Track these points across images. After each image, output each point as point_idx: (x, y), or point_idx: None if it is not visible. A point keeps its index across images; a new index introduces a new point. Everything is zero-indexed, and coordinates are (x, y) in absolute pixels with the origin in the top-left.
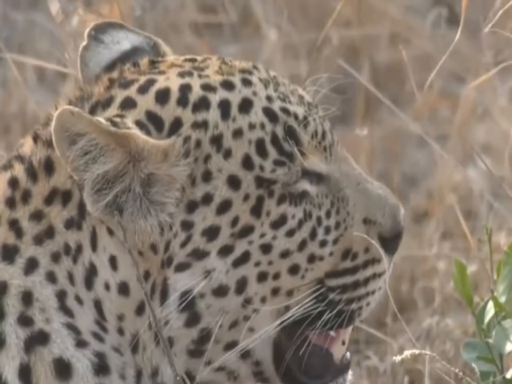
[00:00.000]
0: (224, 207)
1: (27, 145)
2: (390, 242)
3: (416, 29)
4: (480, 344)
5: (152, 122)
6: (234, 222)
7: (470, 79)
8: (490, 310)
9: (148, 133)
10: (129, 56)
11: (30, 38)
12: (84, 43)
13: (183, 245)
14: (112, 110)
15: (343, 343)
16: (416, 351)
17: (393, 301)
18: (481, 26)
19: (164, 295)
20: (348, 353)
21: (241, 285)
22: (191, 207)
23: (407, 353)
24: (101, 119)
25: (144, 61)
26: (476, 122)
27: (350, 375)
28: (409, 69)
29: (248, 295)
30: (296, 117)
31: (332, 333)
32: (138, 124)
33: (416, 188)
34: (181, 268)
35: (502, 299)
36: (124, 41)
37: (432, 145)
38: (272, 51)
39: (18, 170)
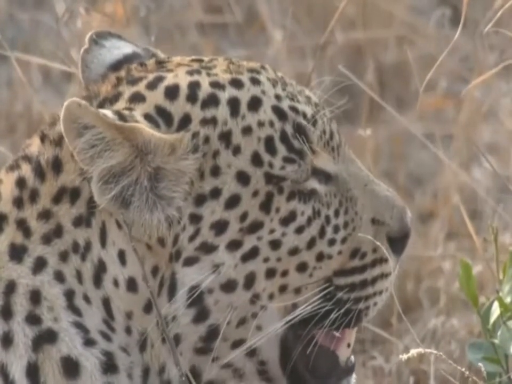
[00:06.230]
0: (233, 201)
1: (34, 145)
2: (398, 243)
3: (421, 29)
4: (486, 345)
5: (162, 116)
6: (243, 217)
7: (475, 80)
8: (496, 310)
9: (157, 126)
10: (132, 59)
11: (35, 38)
12: (85, 46)
13: (192, 238)
14: (121, 104)
15: (349, 345)
16: (422, 350)
17: (398, 301)
18: (485, 27)
19: (172, 290)
20: (353, 356)
21: (250, 281)
22: (200, 200)
23: (413, 351)
24: (108, 112)
25: (151, 61)
26: (481, 122)
27: (354, 378)
28: (414, 69)
29: (256, 291)
30: (304, 115)
31: (338, 334)
32: (147, 117)
33: (422, 188)
34: (189, 261)
35: (508, 299)
36: (125, 47)
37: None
38: (278, 51)
39: (26, 170)
